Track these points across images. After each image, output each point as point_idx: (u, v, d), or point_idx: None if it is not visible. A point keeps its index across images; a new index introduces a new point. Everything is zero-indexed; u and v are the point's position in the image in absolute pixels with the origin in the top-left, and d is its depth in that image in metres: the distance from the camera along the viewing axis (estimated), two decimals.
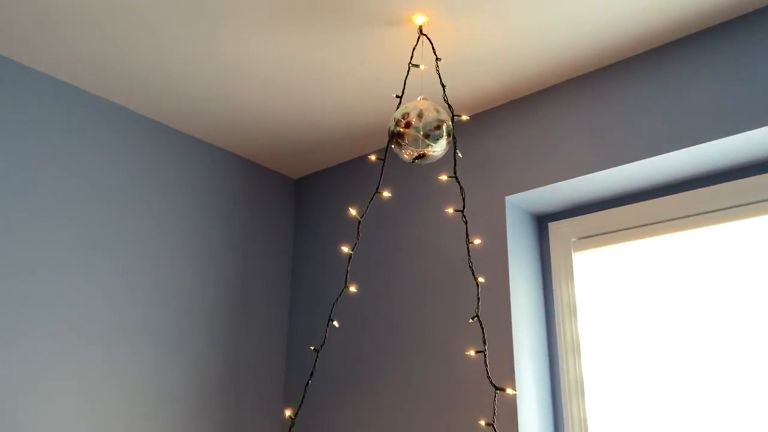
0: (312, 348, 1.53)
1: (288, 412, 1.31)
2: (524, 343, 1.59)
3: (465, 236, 1.39)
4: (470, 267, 1.28)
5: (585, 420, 1.57)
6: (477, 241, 1.32)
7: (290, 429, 1.31)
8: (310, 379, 1.33)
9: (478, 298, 1.25)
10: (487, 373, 1.20)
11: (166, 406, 1.72)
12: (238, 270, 1.99)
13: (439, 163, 1.74)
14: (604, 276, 1.65)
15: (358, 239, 1.35)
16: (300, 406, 1.33)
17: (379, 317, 1.84)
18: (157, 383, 1.72)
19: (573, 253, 1.71)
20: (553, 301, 1.70)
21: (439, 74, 1.39)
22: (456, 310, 1.67)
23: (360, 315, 1.89)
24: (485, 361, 1.22)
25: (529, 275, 1.69)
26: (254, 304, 2.01)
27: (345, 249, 1.35)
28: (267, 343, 2.01)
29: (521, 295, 1.63)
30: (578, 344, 1.63)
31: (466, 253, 1.34)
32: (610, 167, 1.52)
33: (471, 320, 1.37)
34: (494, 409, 1.18)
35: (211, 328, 1.88)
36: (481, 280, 1.23)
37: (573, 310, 1.66)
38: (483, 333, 1.22)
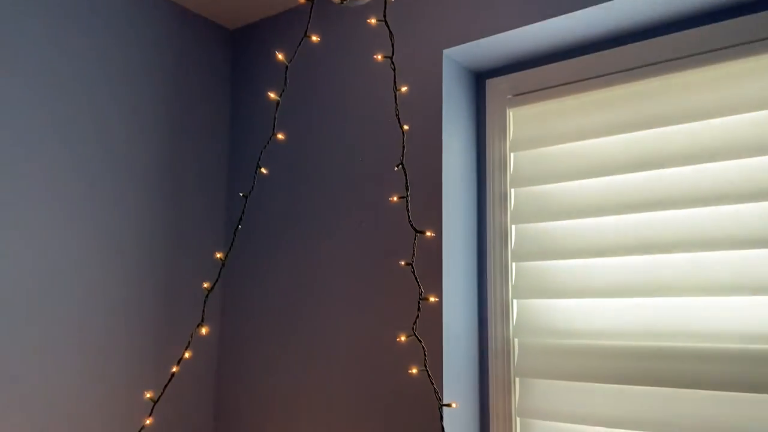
0: (241, 194, 1.55)
1: (219, 255, 1.36)
2: (453, 194, 1.64)
3: (393, 84, 1.38)
4: (397, 115, 1.28)
5: (508, 267, 1.66)
6: (404, 89, 1.32)
7: (220, 270, 1.36)
8: (239, 223, 1.36)
9: (404, 146, 1.27)
10: (408, 218, 1.24)
11: (105, 256, 1.75)
12: (174, 124, 1.96)
13: (377, 8, 1.68)
14: (539, 134, 1.68)
15: (285, 86, 1.33)
16: (230, 248, 1.37)
17: (311, 165, 1.86)
18: (95, 233, 1.73)
19: (508, 110, 1.72)
20: (485, 158, 1.74)
21: None
22: (388, 159, 1.70)
23: (292, 163, 1.90)
24: (407, 206, 1.26)
25: (463, 131, 1.71)
26: (192, 157, 2.00)
27: (272, 95, 1.33)
28: (206, 197, 2.02)
29: (454, 151, 1.66)
30: (506, 197, 1.69)
31: (394, 101, 1.35)
32: (555, 16, 1.48)
33: (396, 168, 1.39)
34: (413, 250, 1.24)
35: (148, 183, 1.87)
36: (405, 127, 1.24)
37: (503, 166, 1.71)
38: (406, 179, 1.25)
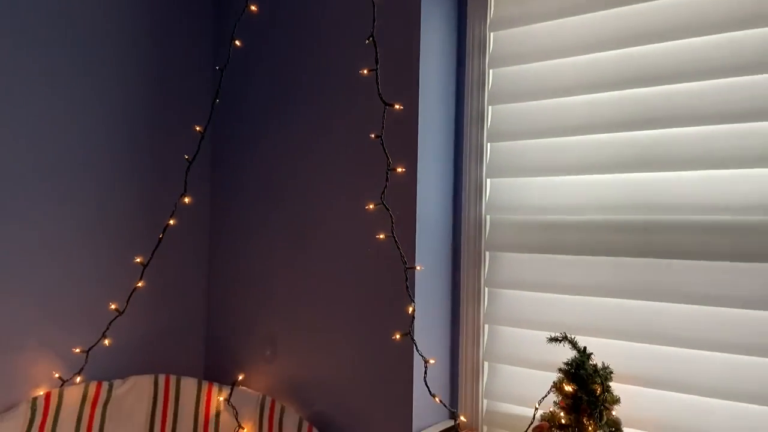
0: (216, 67, 1.57)
1: (198, 128, 1.41)
2: (430, 74, 1.66)
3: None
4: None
5: (483, 147, 1.71)
6: None
7: (200, 142, 1.42)
8: (216, 97, 1.40)
9: (374, 19, 1.28)
10: (378, 90, 1.28)
11: (93, 156, 1.80)
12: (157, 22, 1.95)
13: None
14: (520, 13, 1.67)
15: None
16: (208, 121, 1.42)
17: (296, 43, 1.87)
18: (89, 114, 1.78)
19: (489, 16, 1.70)
20: (465, 39, 1.74)
21: None
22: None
23: (276, 42, 1.91)
24: (377, 80, 1.29)
25: (442, 10, 1.70)
26: (178, 33, 2.00)
27: None
28: (193, 74, 2.04)
29: (433, 29, 1.66)
30: (484, 77, 1.71)
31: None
32: None
33: (366, 41, 1.41)
34: (383, 123, 1.29)
35: (134, 58, 1.89)
36: None
37: (482, 48, 1.71)
38: (376, 52, 1.27)
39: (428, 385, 1.49)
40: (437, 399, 1.54)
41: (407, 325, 1.55)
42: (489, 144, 1.72)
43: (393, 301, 1.63)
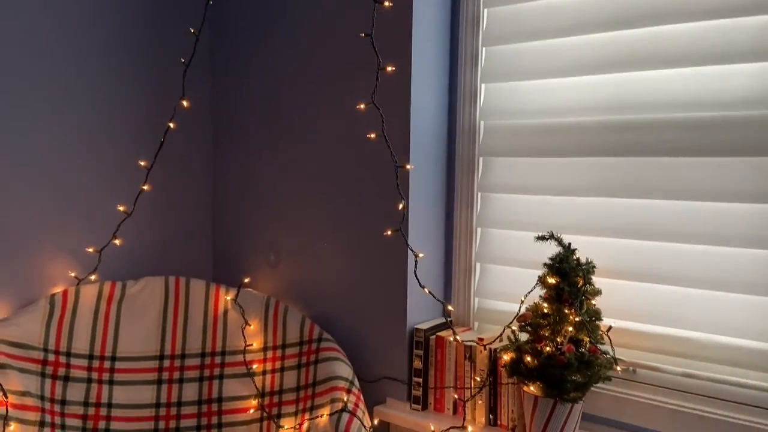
0: None
1: (192, 30, 1.44)
2: (425, 17, 1.66)
3: None
4: None
5: (479, 52, 1.72)
6: None
7: (195, 44, 1.45)
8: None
9: None
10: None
11: (93, 62, 1.84)
12: None
13: None
14: None
15: None
16: (202, 23, 1.45)
17: None
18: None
19: None
20: None
21: None
22: None
23: None
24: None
25: None
26: None
27: None
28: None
29: None
30: (479, 19, 1.71)
31: None
32: None
33: None
34: (373, 21, 1.31)
35: None
36: None
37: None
38: None
39: (418, 278, 1.57)
40: (426, 290, 1.63)
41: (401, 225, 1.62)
42: (484, 49, 1.73)
43: (390, 204, 1.70)
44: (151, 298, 1.84)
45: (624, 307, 1.53)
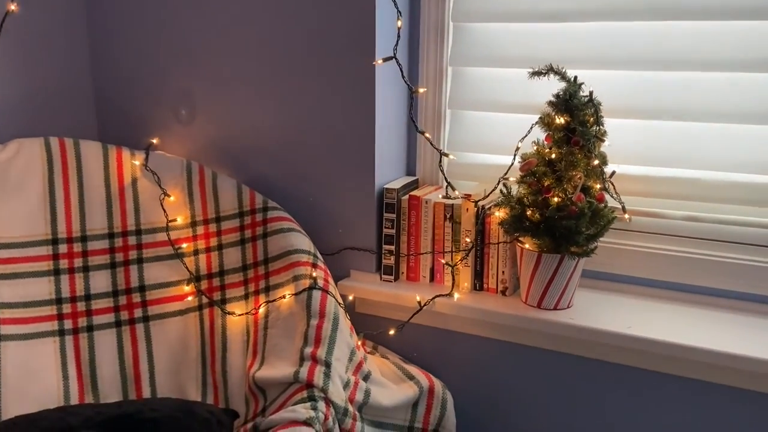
0: None
1: None
2: None
3: None
4: None
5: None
6: None
7: None
8: None
9: None
10: None
11: None
12: None
13: None
14: None
15: None
16: None
17: None
18: None
19: None
20: None
21: None
22: None
23: None
24: None
25: None
26: None
27: None
28: None
29: None
30: None
31: None
32: None
33: None
34: None
35: None
36: None
37: None
38: None
39: (415, 121, 1.27)
40: (426, 135, 1.36)
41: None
42: None
43: (352, 24, 1.35)
44: (29, 166, 1.38)
45: (630, 150, 1.37)
